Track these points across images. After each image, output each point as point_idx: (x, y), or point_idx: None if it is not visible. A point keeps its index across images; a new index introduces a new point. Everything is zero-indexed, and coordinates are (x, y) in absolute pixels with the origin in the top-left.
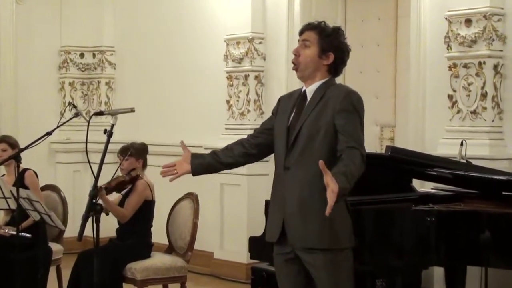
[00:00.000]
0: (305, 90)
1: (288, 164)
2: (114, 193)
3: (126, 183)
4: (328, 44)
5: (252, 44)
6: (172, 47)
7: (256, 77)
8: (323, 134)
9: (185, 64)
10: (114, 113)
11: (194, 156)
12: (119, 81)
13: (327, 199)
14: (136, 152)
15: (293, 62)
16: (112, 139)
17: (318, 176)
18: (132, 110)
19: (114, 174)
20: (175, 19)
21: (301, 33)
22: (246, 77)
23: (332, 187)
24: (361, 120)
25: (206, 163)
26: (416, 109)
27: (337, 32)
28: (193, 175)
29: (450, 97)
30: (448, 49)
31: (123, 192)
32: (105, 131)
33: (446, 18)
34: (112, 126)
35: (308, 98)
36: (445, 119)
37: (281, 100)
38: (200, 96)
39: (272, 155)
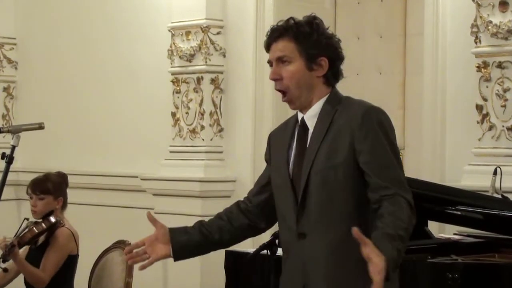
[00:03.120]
0: (302, 118)
1: (302, 229)
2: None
3: (44, 233)
4: (313, 47)
5: (207, 35)
6: (95, 39)
7: (213, 81)
8: (343, 177)
9: (113, 63)
10: (15, 131)
11: (175, 232)
12: (22, 86)
13: (373, 279)
14: (54, 188)
15: (278, 90)
16: (12, 167)
17: (349, 239)
18: (40, 127)
19: (22, 222)
20: (100, 1)
21: (268, 47)
22: (198, 80)
23: (376, 262)
24: (393, 147)
25: (194, 242)
26: (433, 125)
27: (317, 25)
28: (175, 259)
29: (479, 108)
30: (476, 43)
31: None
32: (3, 156)
33: (473, 0)
34: (13, 148)
35: (310, 128)
36: (473, 138)
37: (271, 139)
38: (134, 107)
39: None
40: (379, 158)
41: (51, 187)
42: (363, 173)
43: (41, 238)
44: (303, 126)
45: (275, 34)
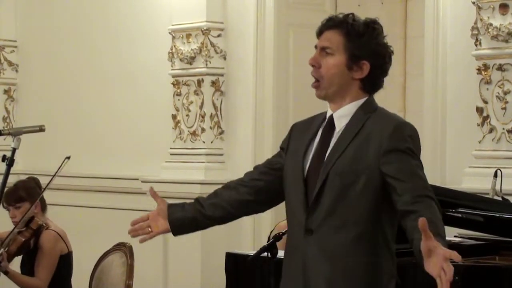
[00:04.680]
0: (331, 116)
1: (310, 225)
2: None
3: (30, 241)
4: (360, 49)
5: (207, 37)
6: (96, 42)
7: (214, 83)
8: (364, 183)
9: (113, 65)
10: (16, 133)
11: (173, 208)
12: (23, 88)
13: (442, 280)
14: (28, 194)
15: (314, 76)
16: (13, 169)
17: (357, 245)
18: (41, 129)
19: (10, 234)
20: (100, 4)
21: (319, 33)
22: (199, 82)
23: (444, 251)
24: (421, 164)
25: (189, 219)
26: (433, 127)
27: (373, 29)
28: (174, 234)
29: (479, 110)
30: (476, 45)
31: None
32: (4, 158)
33: (473, 2)
34: (14, 150)
35: (338, 128)
36: (473, 140)
37: (294, 129)
38: (135, 109)
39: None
40: (407, 168)
41: (24, 194)
42: (384, 182)
43: (30, 244)
44: (330, 124)
45: (330, 23)
